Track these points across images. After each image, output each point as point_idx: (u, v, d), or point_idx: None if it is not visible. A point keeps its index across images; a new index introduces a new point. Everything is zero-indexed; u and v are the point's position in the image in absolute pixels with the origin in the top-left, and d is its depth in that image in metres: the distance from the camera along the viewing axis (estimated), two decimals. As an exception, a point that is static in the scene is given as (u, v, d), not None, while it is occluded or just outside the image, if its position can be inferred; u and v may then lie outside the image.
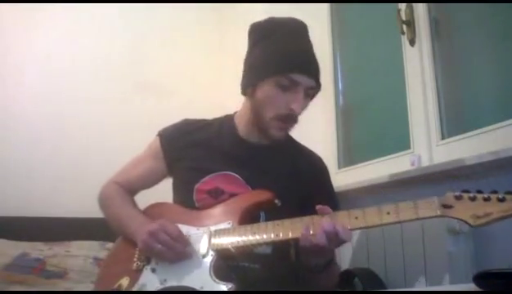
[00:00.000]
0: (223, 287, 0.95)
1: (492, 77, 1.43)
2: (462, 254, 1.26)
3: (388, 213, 0.91)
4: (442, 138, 1.51)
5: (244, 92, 1.20)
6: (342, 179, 1.91)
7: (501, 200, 0.84)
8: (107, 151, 2.42)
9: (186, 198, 1.17)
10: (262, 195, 1.11)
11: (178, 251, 1.01)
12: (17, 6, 2.43)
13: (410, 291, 1.08)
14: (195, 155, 1.21)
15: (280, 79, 1.09)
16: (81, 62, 2.52)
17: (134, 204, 1.23)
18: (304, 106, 1.14)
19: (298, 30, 1.16)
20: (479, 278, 0.75)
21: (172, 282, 1.00)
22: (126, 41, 2.62)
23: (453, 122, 1.52)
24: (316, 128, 2.19)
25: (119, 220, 1.18)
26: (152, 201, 1.23)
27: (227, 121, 1.26)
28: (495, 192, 0.85)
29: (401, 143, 1.68)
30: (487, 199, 0.85)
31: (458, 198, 0.88)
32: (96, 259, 2.00)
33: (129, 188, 1.26)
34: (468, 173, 1.32)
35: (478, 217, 0.84)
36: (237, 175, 1.16)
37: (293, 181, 1.18)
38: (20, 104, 2.39)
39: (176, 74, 2.62)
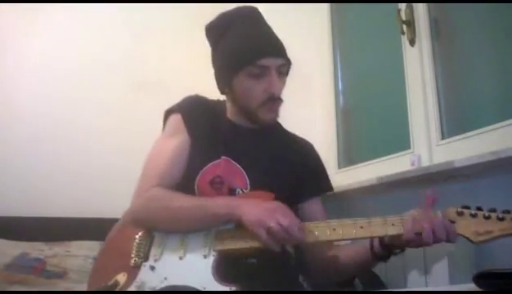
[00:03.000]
0: (226, 289, 0.94)
1: (492, 77, 1.43)
2: (462, 254, 1.26)
3: (393, 224, 0.94)
4: (442, 138, 1.51)
5: (222, 92, 1.22)
6: (342, 179, 1.90)
7: (501, 219, 0.89)
8: (107, 151, 2.42)
9: (187, 186, 1.14)
10: (265, 199, 1.08)
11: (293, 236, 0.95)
12: (17, 6, 2.43)
13: (410, 291, 1.08)
14: (204, 135, 1.18)
15: (250, 69, 1.11)
16: (80, 62, 2.52)
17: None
18: (282, 84, 1.16)
19: (251, 16, 1.17)
20: (479, 278, 0.75)
21: (173, 281, 0.98)
22: (125, 41, 2.62)
23: (453, 122, 1.52)
24: (316, 128, 2.19)
25: (202, 207, 1.05)
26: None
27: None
28: (493, 210, 0.90)
29: (401, 143, 1.68)
30: (487, 217, 0.90)
31: (460, 213, 0.93)
32: (96, 259, 2.01)
33: (165, 183, 1.12)
34: (468, 173, 1.32)
35: (480, 234, 0.89)
36: (235, 163, 1.16)
37: (287, 169, 1.19)
38: (19, 105, 2.39)
39: (176, 74, 2.61)
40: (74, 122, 2.44)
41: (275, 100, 1.14)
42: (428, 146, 1.54)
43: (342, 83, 2.19)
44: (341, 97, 2.18)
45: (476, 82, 1.47)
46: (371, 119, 2.01)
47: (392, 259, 1.12)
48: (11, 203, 2.19)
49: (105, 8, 2.60)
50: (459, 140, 1.43)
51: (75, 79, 2.50)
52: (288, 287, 1.12)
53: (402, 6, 1.66)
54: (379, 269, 1.49)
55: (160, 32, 2.70)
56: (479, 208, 0.92)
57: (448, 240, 0.92)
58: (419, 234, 0.93)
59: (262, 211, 0.96)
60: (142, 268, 1.02)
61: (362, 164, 1.91)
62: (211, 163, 1.15)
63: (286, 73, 1.17)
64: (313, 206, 1.20)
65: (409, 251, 1.40)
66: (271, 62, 1.11)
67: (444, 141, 1.49)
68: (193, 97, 1.27)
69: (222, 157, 1.15)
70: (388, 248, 1.00)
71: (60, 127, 2.42)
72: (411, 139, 1.62)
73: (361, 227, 0.95)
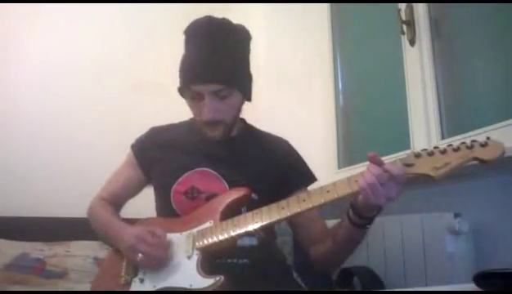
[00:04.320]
0: (212, 281, 0.96)
1: (492, 77, 1.43)
2: (462, 254, 1.26)
3: (357, 181, 0.94)
4: (442, 138, 1.51)
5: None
6: (342, 179, 1.90)
7: (456, 150, 0.90)
8: (107, 151, 2.41)
9: (165, 203, 1.20)
10: (239, 192, 1.13)
11: (159, 257, 1.03)
12: (17, 5, 2.43)
13: (410, 291, 1.08)
14: (167, 157, 1.25)
15: (187, 93, 1.16)
16: (81, 62, 2.52)
17: (113, 212, 1.27)
18: (224, 107, 1.15)
19: (201, 33, 1.16)
20: (479, 278, 0.75)
21: (161, 286, 1.01)
22: (126, 40, 2.62)
23: (453, 122, 1.52)
24: (316, 128, 2.19)
25: (102, 229, 1.24)
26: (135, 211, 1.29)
27: (195, 121, 1.29)
28: (450, 145, 0.91)
29: (402, 143, 1.68)
30: (443, 152, 0.91)
31: (417, 155, 0.94)
32: (96, 259, 2.00)
33: (114, 200, 1.31)
34: (468, 173, 1.31)
35: (438, 168, 0.90)
36: (211, 170, 1.18)
37: (265, 167, 1.22)
38: (19, 104, 2.39)
39: (176, 74, 2.62)
40: (74, 121, 2.44)
41: (212, 123, 1.16)
42: (429, 146, 1.54)
43: (342, 83, 2.19)
44: (341, 97, 2.18)
45: (476, 82, 1.47)
46: (371, 119, 2.01)
47: (393, 259, 1.12)
48: (11, 203, 2.19)
49: (105, 8, 2.59)
50: (459, 140, 1.42)
51: (75, 79, 2.50)
52: (282, 285, 1.13)
53: (402, 6, 1.66)
54: (380, 269, 1.49)
55: (160, 32, 2.70)
56: (436, 147, 0.93)
57: (395, 180, 0.91)
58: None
59: (127, 251, 1.06)
60: (133, 283, 1.05)
61: (362, 164, 1.91)
62: (183, 176, 1.19)
63: (227, 96, 1.15)
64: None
65: (409, 251, 1.40)
66: (203, 88, 1.12)
67: (444, 141, 1.49)
68: (146, 132, 1.37)
69: (197, 169, 1.19)
70: (359, 213, 1.00)
71: (60, 127, 2.42)
72: (411, 139, 1.62)
73: (328, 191, 0.96)
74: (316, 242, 1.17)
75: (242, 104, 1.23)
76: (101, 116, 2.48)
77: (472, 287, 0.75)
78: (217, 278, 0.96)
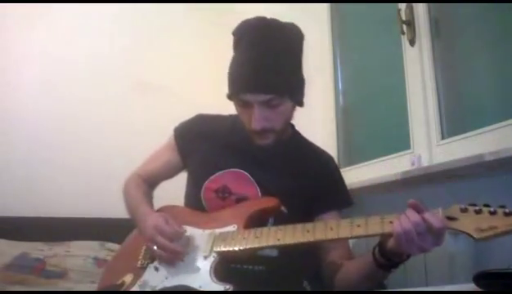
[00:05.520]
0: (221, 288, 0.96)
1: (492, 77, 1.43)
2: (462, 254, 1.26)
3: (391, 222, 0.90)
4: (442, 138, 1.51)
5: None
6: (342, 179, 1.90)
7: (508, 214, 0.81)
8: (107, 151, 2.42)
9: (195, 195, 1.19)
10: (269, 202, 1.11)
11: (173, 252, 1.03)
12: (17, 5, 2.43)
13: (410, 291, 1.08)
14: (206, 149, 1.23)
15: (236, 100, 1.14)
16: (81, 62, 2.52)
17: (144, 194, 1.26)
18: (275, 115, 1.11)
19: (253, 40, 1.11)
20: (479, 278, 0.75)
21: (173, 281, 1.02)
22: (126, 41, 2.62)
23: (453, 122, 1.52)
24: (316, 128, 2.19)
25: (131, 208, 1.24)
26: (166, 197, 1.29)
27: (240, 119, 1.24)
28: (502, 206, 0.83)
29: (402, 143, 1.68)
30: (493, 213, 0.83)
31: (463, 210, 0.86)
32: (96, 259, 2.00)
33: (150, 179, 1.32)
34: (468, 173, 1.32)
35: (482, 230, 0.82)
36: (246, 173, 1.16)
37: (302, 180, 1.18)
38: (20, 105, 2.39)
39: (176, 74, 2.61)
40: (74, 122, 2.44)
41: (260, 132, 1.12)
42: (429, 146, 1.54)
43: (342, 83, 2.19)
44: (341, 97, 2.18)
45: (476, 82, 1.47)
46: (371, 119, 2.01)
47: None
48: (11, 203, 2.19)
49: (105, 8, 2.59)
50: (459, 140, 1.43)
51: (76, 79, 2.50)
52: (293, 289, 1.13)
53: (402, 6, 1.66)
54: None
55: (160, 32, 2.70)
56: (487, 205, 0.85)
57: (434, 232, 0.85)
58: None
59: (147, 232, 1.07)
60: (148, 269, 1.07)
61: (362, 164, 1.91)
62: (217, 174, 1.17)
63: (279, 105, 1.10)
64: (331, 220, 1.14)
65: (409, 251, 1.40)
66: (252, 98, 1.09)
67: (444, 141, 1.49)
68: (191, 118, 1.33)
69: (232, 169, 1.17)
70: (387, 256, 0.96)
71: (60, 128, 2.42)
72: (411, 139, 1.62)
73: (358, 226, 0.93)
74: (335, 269, 1.12)
75: (293, 110, 1.18)
76: (101, 116, 2.48)
77: (472, 287, 0.75)
78: (227, 287, 0.96)
